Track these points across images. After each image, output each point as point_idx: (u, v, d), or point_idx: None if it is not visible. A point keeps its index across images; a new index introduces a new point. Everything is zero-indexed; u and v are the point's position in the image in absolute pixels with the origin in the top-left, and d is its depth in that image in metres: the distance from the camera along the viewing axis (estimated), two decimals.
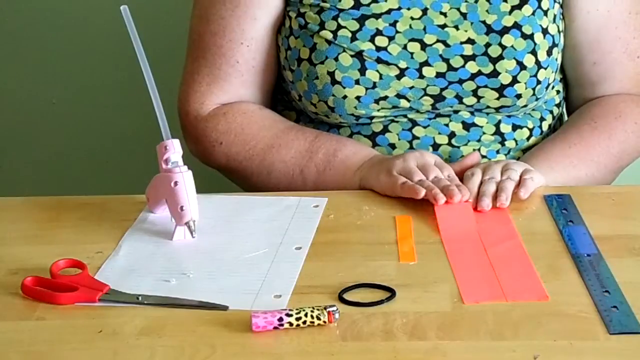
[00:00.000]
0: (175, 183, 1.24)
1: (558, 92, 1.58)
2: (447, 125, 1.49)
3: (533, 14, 1.48)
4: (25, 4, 2.12)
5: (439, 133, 1.49)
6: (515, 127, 1.52)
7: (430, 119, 1.50)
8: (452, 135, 1.49)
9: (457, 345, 1.00)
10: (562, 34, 1.53)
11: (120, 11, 1.26)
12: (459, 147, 1.49)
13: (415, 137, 1.49)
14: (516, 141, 1.52)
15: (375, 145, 1.49)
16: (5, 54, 2.15)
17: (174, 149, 1.26)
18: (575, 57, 1.56)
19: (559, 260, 1.17)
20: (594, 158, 1.47)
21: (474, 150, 1.49)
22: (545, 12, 1.49)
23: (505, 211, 1.29)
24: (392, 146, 1.49)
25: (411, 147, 1.48)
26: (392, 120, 1.49)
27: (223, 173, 1.56)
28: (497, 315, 1.05)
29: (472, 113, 1.50)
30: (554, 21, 1.51)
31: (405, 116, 1.49)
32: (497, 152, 1.51)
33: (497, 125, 1.51)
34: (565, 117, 1.62)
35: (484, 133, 1.50)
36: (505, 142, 1.51)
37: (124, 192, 1.38)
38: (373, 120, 1.49)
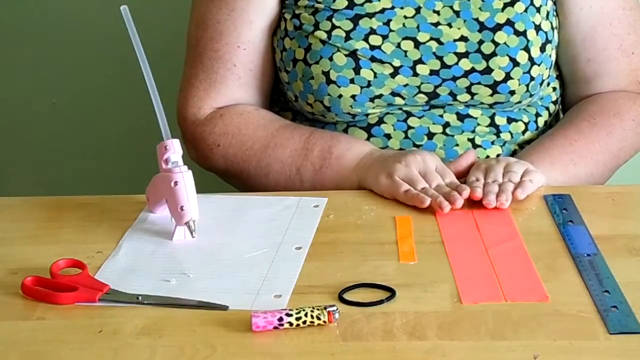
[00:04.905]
0: (175, 183, 1.24)
1: (554, 89, 1.59)
2: (441, 116, 1.50)
3: (525, 10, 1.48)
4: (25, 4, 2.12)
5: (434, 123, 1.49)
6: (510, 120, 1.52)
7: (425, 110, 1.50)
8: (446, 125, 1.50)
9: (457, 345, 1.00)
10: (555, 31, 1.53)
11: (120, 11, 1.26)
12: (453, 136, 1.49)
13: (410, 127, 1.49)
14: (511, 134, 1.52)
15: (371, 136, 1.49)
16: (6, 54, 2.15)
17: (174, 149, 1.26)
18: (569, 53, 1.56)
19: (558, 260, 1.17)
20: (593, 155, 1.47)
21: (468, 139, 1.49)
22: (538, 9, 1.50)
23: (507, 212, 1.29)
24: (388, 137, 1.49)
25: (406, 137, 1.49)
26: (388, 113, 1.50)
27: (222, 177, 1.56)
28: (497, 315, 1.05)
29: (466, 106, 1.51)
30: (547, 18, 1.51)
31: (400, 108, 1.50)
32: (492, 143, 1.51)
33: (492, 117, 1.51)
34: (561, 114, 1.62)
35: (478, 124, 1.50)
36: (501, 134, 1.51)
37: (124, 192, 1.38)
38: (368, 116, 1.50)
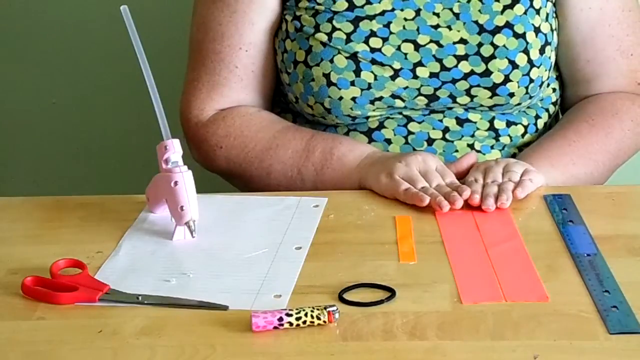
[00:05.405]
0: (175, 183, 1.24)
1: (554, 90, 1.59)
2: (441, 121, 1.50)
3: (525, 13, 1.49)
4: (25, 4, 2.12)
5: (433, 128, 1.50)
6: (509, 124, 1.52)
7: (424, 115, 1.50)
8: (446, 130, 1.50)
9: (457, 345, 1.00)
10: (555, 32, 1.53)
11: (120, 11, 1.26)
12: (452, 141, 1.49)
13: (410, 133, 1.49)
14: (510, 137, 1.52)
15: (372, 141, 1.50)
16: (6, 54, 2.16)
17: (174, 149, 1.26)
18: (569, 54, 1.56)
19: (559, 260, 1.17)
20: (592, 156, 1.47)
21: (467, 145, 1.49)
22: (538, 11, 1.50)
23: (507, 212, 1.29)
24: (388, 141, 1.49)
25: (406, 142, 1.49)
26: (388, 117, 1.50)
27: (225, 178, 1.57)
28: (497, 315, 1.05)
29: (466, 110, 1.51)
30: (547, 19, 1.51)
31: (400, 113, 1.50)
32: (492, 147, 1.51)
33: (491, 121, 1.51)
34: (560, 115, 1.62)
35: (477, 129, 1.50)
36: (500, 138, 1.51)
37: (124, 192, 1.38)
38: (369, 120, 1.50)
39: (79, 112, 2.18)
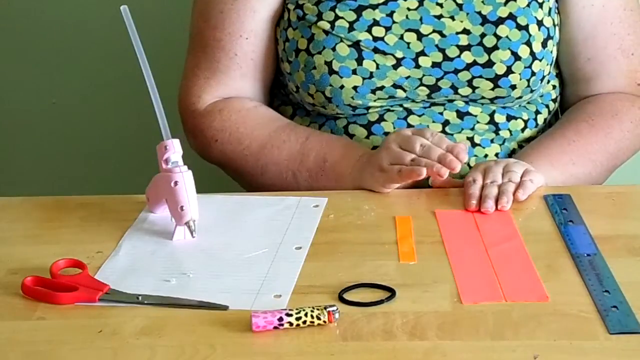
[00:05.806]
0: (175, 183, 1.24)
1: (554, 86, 1.59)
2: (441, 113, 1.50)
3: (528, 5, 1.49)
4: (25, 3, 2.12)
5: (433, 121, 1.50)
6: (509, 118, 1.52)
7: (425, 107, 1.50)
8: (446, 123, 1.50)
9: (457, 345, 1.00)
10: (557, 27, 1.53)
11: (120, 11, 1.26)
12: (452, 134, 1.49)
13: (410, 126, 1.49)
14: (510, 131, 1.52)
15: (371, 134, 1.49)
16: (6, 54, 2.15)
17: (174, 149, 1.26)
18: (570, 52, 1.56)
19: (559, 260, 1.17)
20: (591, 156, 1.47)
21: (467, 138, 1.49)
22: (541, 5, 1.50)
23: (507, 212, 1.29)
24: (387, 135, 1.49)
25: None
26: (388, 110, 1.50)
27: (222, 168, 1.57)
28: (497, 315, 1.05)
29: (466, 103, 1.51)
30: (549, 14, 1.51)
31: (400, 105, 1.50)
32: (492, 141, 1.51)
33: (492, 115, 1.51)
34: (560, 114, 1.62)
35: (477, 122, 1.50)
36: (500, 132, 1.51)
37: (124, 192, 1.38)
38: (369, 111, 1.50)
39: (79, 112, 2.18)
